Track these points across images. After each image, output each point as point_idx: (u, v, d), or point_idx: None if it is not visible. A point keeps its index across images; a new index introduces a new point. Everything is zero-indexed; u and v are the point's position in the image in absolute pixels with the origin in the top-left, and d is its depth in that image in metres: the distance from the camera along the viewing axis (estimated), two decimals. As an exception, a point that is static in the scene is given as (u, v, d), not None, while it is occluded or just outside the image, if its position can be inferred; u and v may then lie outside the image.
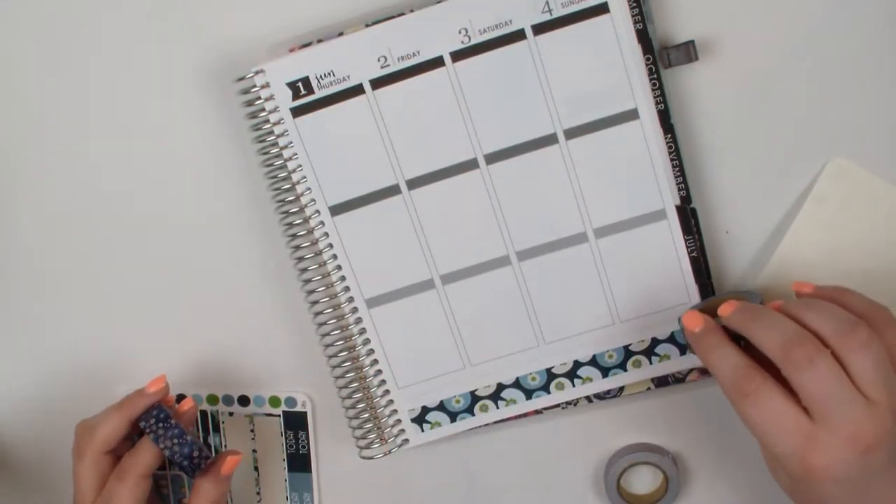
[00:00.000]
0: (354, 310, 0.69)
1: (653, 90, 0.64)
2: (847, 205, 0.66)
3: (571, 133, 0.65)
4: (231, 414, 0.75)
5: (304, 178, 0.66)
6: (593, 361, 0.69)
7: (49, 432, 0.77)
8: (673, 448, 0.73)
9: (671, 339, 0.68)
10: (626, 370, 0.69)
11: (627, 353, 0.69)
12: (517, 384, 0.70)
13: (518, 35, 0.63)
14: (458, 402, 0.70)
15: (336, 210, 0.67)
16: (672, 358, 0.69)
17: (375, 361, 0.69)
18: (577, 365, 0.69)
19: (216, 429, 0.76)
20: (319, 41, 0.65)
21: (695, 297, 0.67)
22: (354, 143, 0.66)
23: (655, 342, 0.69)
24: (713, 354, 0.59)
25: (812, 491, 0.57)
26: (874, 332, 0.56)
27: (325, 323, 0.69)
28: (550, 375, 0.70)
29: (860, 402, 0.55)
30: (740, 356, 0.58)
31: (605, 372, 0.69)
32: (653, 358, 0.69)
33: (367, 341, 0.69)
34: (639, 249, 0.67)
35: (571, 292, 0.68)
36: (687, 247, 0.66)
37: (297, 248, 0.68)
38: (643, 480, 0.75)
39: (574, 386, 0.70)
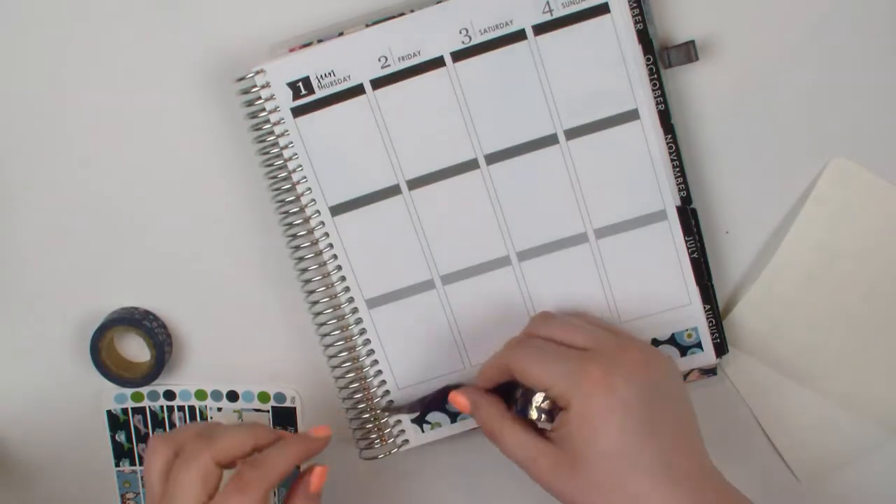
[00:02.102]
0: (355, 310, 0.69)
1: (653, 90, 0.64)
2: (847, 205, 0.66)
3: (572, 133, 0.65)
4: (220, 409, 0.75)
5: (305, 178, 0.66)
6: None
7: (49, 432, 0.77)
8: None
9: (671, 339, 0.68)
10: None
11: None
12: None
13: (519, 35, 0.63)
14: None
15: (336, 210, 0.67)
16: (673, 359, 0.69)
17: (376, 362, 0.69)
18: None
19: (204, 424, 0.76)
20: (320, 41, 0.65)
21: (695, 297, 0.67)
22: (355, 143, 0.66)
23: (656, 343, 0.69)
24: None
25: (580, 464, 0.58)
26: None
27: (325, 323, 0.69)
28: None
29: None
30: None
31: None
32: None
33: (367, 342, 0.69)
34: (639, 250, 0.66)
35: (572, 293, 0.68)
36: (687, 247, 0.66)
37: (298, 248, 0.68)
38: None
39: None
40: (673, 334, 0.68)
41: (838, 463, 0.72)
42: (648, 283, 0.67)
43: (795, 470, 0.73)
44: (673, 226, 0.66)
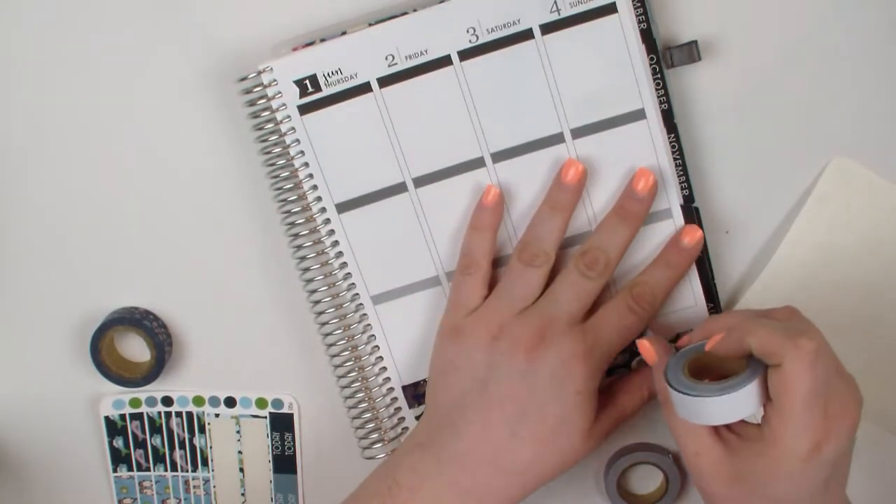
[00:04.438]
0: (359, 307, 0.69)
1: (656, 90, 0.65)
2: (849, 204, 0.67)
3: (578, 132, 0.65)
4: (217, 415, 0.75)
5: (310, 175, 0.66)
6: None
7: (47, 436, 0.76)
8: (673, 448, 0.74)
9: (675, 341, 0.68)
10: (629, 369, 0.70)
11: (632, 354, 0.69)
12: None
13: (526, 34, 0.63)
14: None
15: (342, 207, 0.67)
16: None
17: (380, 359, 0.69)
18: None
19: (202, 430, 0.76)
20: (322, 40, 0.65)
21: (700, 298, 0.68)
22: (361, 141, 0.66)
23: None
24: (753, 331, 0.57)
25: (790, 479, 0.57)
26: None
27: (327, 322, 0.69)
28: None
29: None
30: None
31: (609, 372, 0.69)
32: None
33: (371, 338, 0.69)
34: (645, 250, 0.67)
35: None
36: None
37: (301, 246, 0.68)
38: (643, 480, 0.75)
39: None
40: (678, 335, 0.69)
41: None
42: None
43: (796, 469, 0.73)
44: (678, 226, 0.66)
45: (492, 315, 0.64)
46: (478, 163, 0.66)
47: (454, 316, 0.65)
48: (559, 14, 0.63)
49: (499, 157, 0.66)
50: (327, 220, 0.67)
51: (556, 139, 0.65)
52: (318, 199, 0.67)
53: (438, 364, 0.66)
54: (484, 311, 0.64)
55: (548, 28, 0.63)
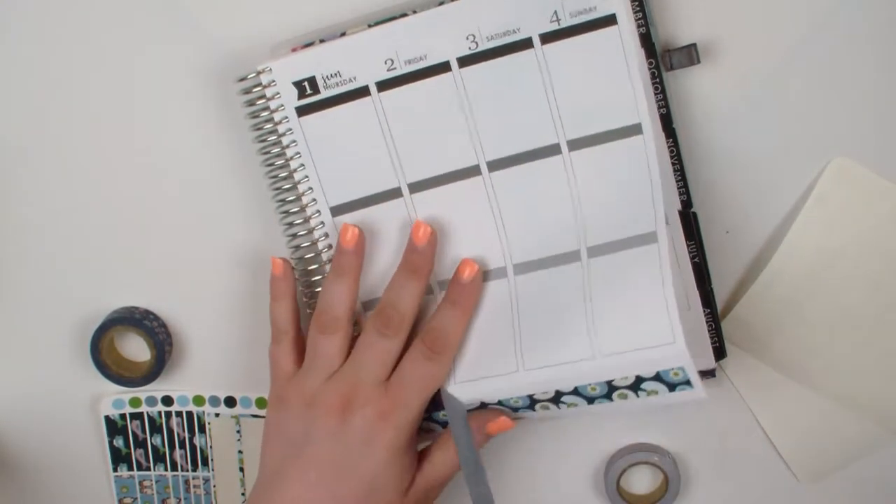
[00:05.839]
0: (355, 310, 0.69)
1: (655, 94, 0.64)
2: (848, 204, 0.67)
3: (574, 144, 0.64)
4: (217, 415, 0.75)
5: (307, 177, 0.66)
6: (575, 392, 0.66)
7: (48, 435, 0.76)
8: (673, 448, 0.74)
9: (657, 377, 0.64)
10: (611, 400, 0.66)
11: (610, 387, 0.65)
12: (499, 404, 0.68)
13: (525, 43, 0.63)
14: (444, 416, 0.69)
15: (337, 210, 0.67)
16: (660, 394, 0.65)
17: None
18: (559, 394, 0.66)
19: (202, 430, 0.76)
20: (321, 41, 0.65)
21: (696, 304, 0.67)
22: (358, 145, 0.65)
23: (640, 380, 0.64)
24: None
25: None
26: None
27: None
28: (533, 400, 0.67)
29: None
30: None
31: (591, 400, 0.66)
32: (639, 392, 0.65)
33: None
34: (627, 274, 0.64)
35: (558, 315, 0.65)
36: (689, 252, 0.66)
37: (298, 247, 0.68)
38: (643, 480, 0.75)
39: (559, 409, 0.67)
40: (658, 372, 0.64)
41: (838, 463, 0.73)
42: (634, 314, 0.64)
43: (795, 470, 0.73)
44: (675, 231, 0.65)
45: (304, 383, 0.66)
46: (473, 171, 0.65)
47: (276, 385, 0.68)
48: (559, 24, 0.62)
49: (494, 166, 0.65)
50: (323, 223, 0.67)
51: (553, 150, 0.64)
52: (314, 201, 0.67)
53: (265, 432, 0.68)
54: (298, 378, 0.67)
55: (547, 38, 0.62)
